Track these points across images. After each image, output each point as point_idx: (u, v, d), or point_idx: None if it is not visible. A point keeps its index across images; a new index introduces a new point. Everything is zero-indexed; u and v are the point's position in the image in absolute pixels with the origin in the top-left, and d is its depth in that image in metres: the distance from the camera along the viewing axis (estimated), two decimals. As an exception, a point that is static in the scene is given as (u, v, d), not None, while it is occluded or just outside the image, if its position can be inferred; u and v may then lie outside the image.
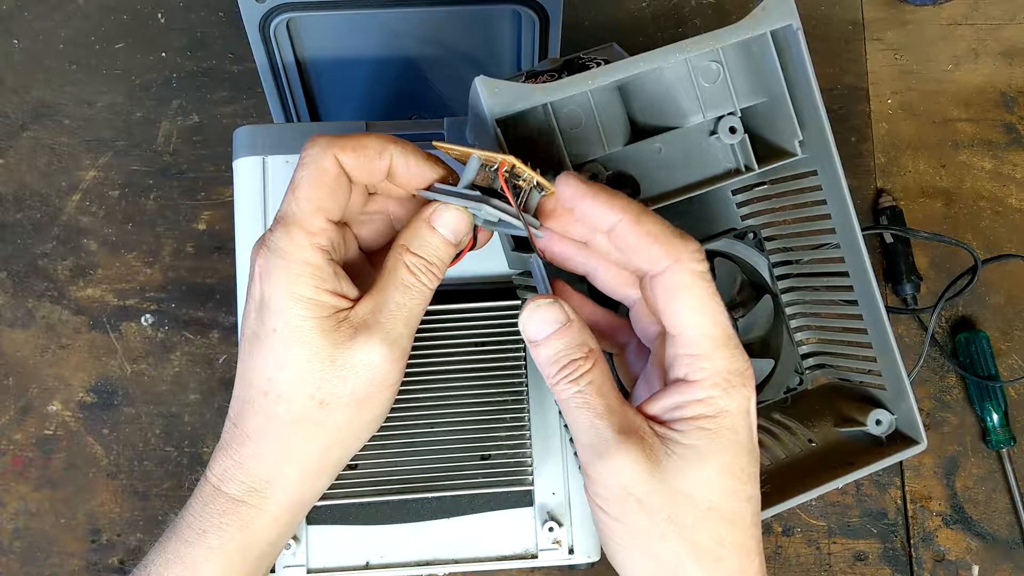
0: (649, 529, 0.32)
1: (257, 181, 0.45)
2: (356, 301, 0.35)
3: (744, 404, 0.34)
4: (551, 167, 0.39)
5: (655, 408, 0.34)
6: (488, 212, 0.34)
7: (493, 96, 0.36)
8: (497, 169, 0.34)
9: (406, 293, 0.35)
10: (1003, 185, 0.66)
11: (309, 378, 0.34)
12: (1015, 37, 0.68)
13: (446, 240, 0.35)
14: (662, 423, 0.34)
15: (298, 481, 0.36)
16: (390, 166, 0.35)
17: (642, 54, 0.37)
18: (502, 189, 0.34)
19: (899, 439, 0.45)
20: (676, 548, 0.33)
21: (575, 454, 0.39)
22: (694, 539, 0.33)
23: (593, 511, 0.34)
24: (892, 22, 0.68)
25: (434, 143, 0.36)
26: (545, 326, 0.33)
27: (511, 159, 0.33)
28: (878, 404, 0.46)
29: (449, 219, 0.35)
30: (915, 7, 0.68)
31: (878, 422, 0.45)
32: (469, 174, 0.34)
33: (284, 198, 0.35)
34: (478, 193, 0.34)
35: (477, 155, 0.34)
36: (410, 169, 0.36)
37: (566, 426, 0.40)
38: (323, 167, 0.34)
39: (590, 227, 0.35)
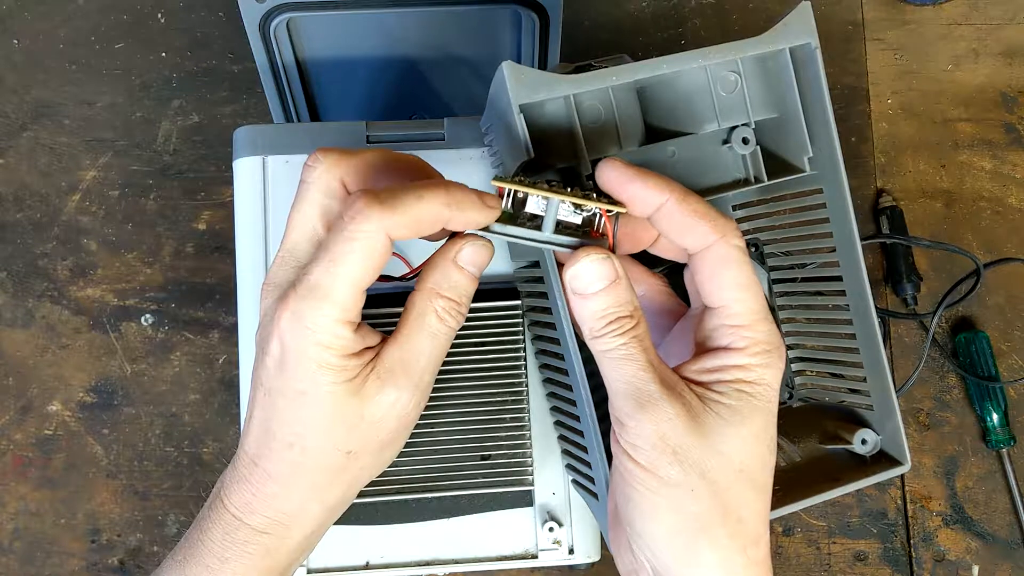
0: (681, 482, 0.32)
1: (257, 181, 0.45)
2: (379, 345, 0.35)
3: (778, 376, 0.34)
4: (568, 160, 0.39)
5: (692, 371, 0.35)
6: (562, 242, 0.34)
7: (519, 82, 0.35)
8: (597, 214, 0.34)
9: (435, 339, 0.35)
10: (1003, 185, 0.66)
11: (339, 435, 0.34)
12: (1015, 37, 0.68)
13: (473, 277, 0.35)
14: (700, 384, 0.34)
15: (322, 516, 0.36)
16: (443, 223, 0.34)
17: (664, 56, 0.38)
18: (602, 229, 0.34)
19: (884, 459, 0.45)
20: (705, 505, 0.33)
21: (590, 418, 0.39)
22: (724, 499, 0.33)
23: (621, 463, 0.34)
24: (892, 22, 0.68)
25: (495, 180, 0.34)
26: (597, 281, 0.34)
27: (587, 203, 0.34)
28: (864, 423, 0.46)
29: (476, 255, 0.35)
30: (915, 7, 0.68)
31: (864, 441, 0.45)
32: (551, 219, 0.34)
33: (319, 261, 0.32)
34: (577, 240, 0.34)
35: (557, 198, 0.34)
36: (465, 222, 0.34)
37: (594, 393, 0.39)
38: (373, 247, 0.31)
39: (636, 210, 0.35)
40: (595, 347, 0.34)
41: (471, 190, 0.34)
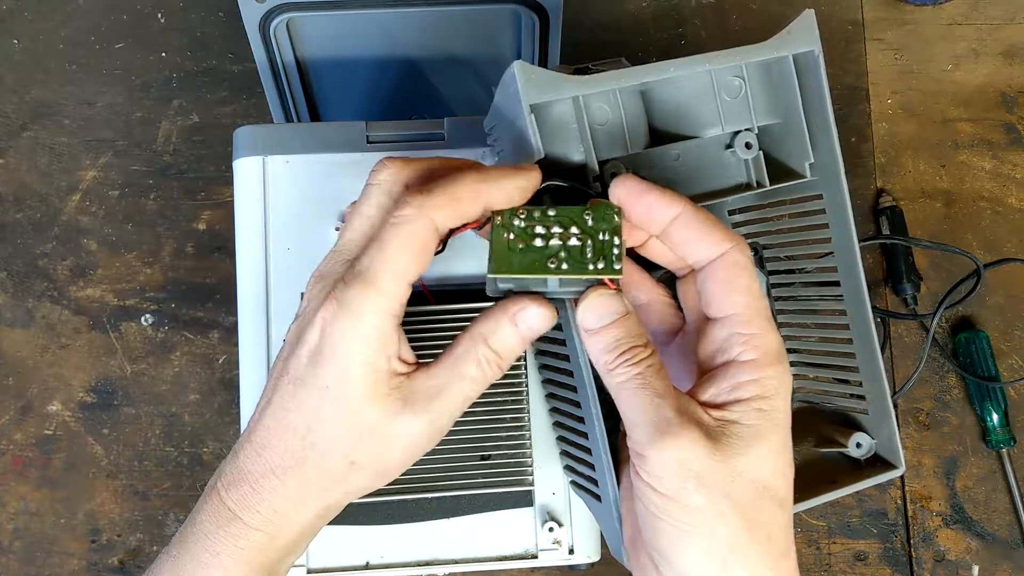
0: (707, 507, 0.32)
1: (257, 181, 0.45)
2: (413, 366, 0.35)
3: (789, 386, 0.35)
4: (574, 161, 0.39)
5: (707, 394, 0.35)
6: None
7: (531, 82, 0.35)
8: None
9: (470, 385, 0.35)
10: (1003, 185, 0.66)
11: (348, 440, 0.34)
12: (1015, 37, 0.68)
13: (524, 338, 0.35)
14: (716, 407, 0.34)
15: (314, 520, 0.36)
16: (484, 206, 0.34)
17: (671, 60, 0.38)
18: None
19: (878, 463, 0.45)
20: (734, 526, 0.33)
21: (597, 448, 0.39)
22: (751, 517, 0.33)
23: (645, 496, 0.34)
24: (892, 22, 0.68)
25: (489, 274, 0.34)
26: (606, 316, 0.34)
27: (582, 276, 0.34)
28: (859, 427, 0.46)
29: (535, 320, 0.35)
30: (915, 7, 0.68)
31: (859, 445, 0.45)
32: (554, 284, 0.35)
33: (368, 250, 0.33)
34: (584, 287, 0.35)
35: (555, 278, 0.34)
36: (508, 194, 0.34)
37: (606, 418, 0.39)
38: (417, 231, 0.33)
39: (651, 223, 0.35)
40: (611, 381, 0.34)
41: (505, 166, 0.34)
